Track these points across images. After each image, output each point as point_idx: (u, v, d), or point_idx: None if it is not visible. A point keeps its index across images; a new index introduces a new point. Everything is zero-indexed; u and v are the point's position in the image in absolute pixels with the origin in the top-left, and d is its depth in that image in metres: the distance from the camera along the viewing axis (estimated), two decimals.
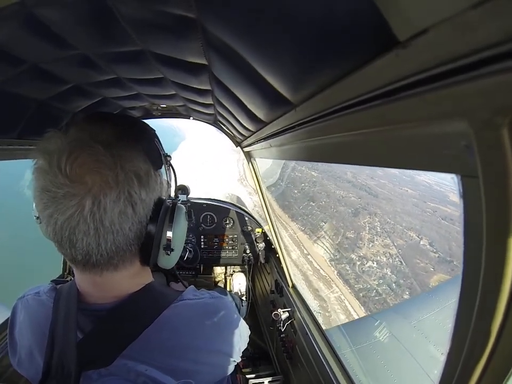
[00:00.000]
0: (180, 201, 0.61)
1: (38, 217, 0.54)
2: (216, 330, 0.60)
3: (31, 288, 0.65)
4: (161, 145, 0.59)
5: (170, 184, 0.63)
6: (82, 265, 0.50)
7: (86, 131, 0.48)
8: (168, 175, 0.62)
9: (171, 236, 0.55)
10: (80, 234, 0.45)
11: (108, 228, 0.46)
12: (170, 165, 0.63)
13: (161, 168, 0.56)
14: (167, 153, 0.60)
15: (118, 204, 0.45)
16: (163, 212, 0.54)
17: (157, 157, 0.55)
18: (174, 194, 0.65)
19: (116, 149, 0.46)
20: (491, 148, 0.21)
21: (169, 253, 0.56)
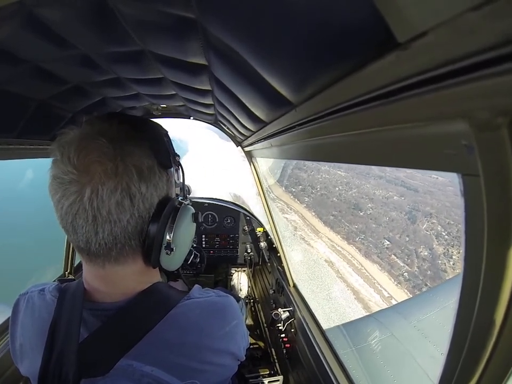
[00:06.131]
0: (188, 202, 0.61)
1: None
2: (223, 329, 0.60)
3: (35, 284, 0.65)
4: (171, 146, 0.60)
5: (177, 184, 0.62)
6: (86, 255, 0.52)
7: (95, 126, 0.51)
8: (177, 175, 0.62)
9: (172, 234, 0.55)
10: (80, 220, 0.47)
11: (105, 217, 0.47)
12: (180, 164, 0.63)
13: (169, 167, 0.57)
14: (176, 153, 0.60)
15: (115, 194, 0.47)
16: (167, 210, 0.54)
17: (165, 156, 0.56)
18: (182, 194, 0.64)
19: (120, 143, 0.48)
20: (491, 148, 0.21)
21: (169, 252, 0.55)
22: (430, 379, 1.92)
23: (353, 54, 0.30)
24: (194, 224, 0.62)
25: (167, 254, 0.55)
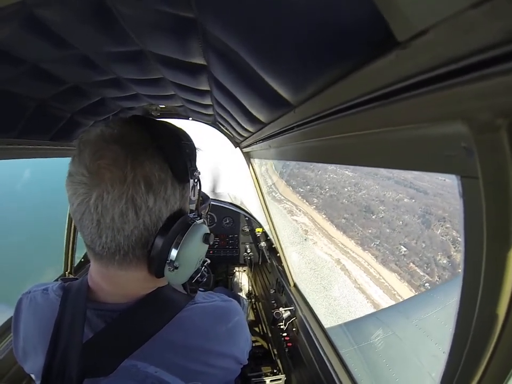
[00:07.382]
0: (202, 221, 0.58)
1: None
2: (228, 334, 0.61)
3: (38, 284, 0.65)
4: (193, 159, 0.57)
5: (191, 200, 0.59)
6: (92, 252, 0.52)
7: (115, 130, 0.50)
8: (193, 191, 0.59)
9: (176, 252, 0.52)
10: (86, 221, 0.48)
11: (108, 224, 0.47)
12: (199, 180, 0.59)
13: (186, 182, 0.54)
14: (196, 168, 0.57)
15: (119, 204, 0.46)
16: (176, 226, 0.51)
17: (182, 170, 0.53)
18: (196, 211, 0.59)
19: (133, 152, 0.47)
20: (491, 150, 0.21)
21: (171, 269, 0.52)
22: (432, 377, 1.93)
23: (353, 53, 0.30)
24: (206, 245, 0.58)
25: (169, 270, 0.53)
